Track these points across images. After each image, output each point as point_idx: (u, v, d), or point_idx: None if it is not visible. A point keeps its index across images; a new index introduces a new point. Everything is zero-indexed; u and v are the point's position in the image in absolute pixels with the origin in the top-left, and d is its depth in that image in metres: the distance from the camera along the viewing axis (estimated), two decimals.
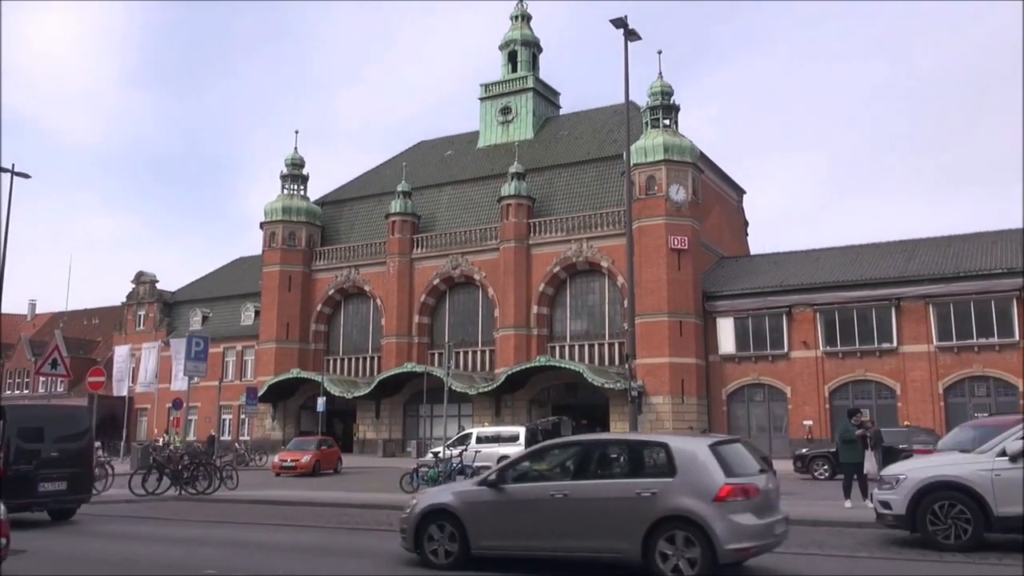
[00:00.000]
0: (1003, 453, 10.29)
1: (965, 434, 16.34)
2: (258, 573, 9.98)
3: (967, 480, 10.34)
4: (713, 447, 8.96)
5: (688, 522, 8.42)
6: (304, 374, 48.22)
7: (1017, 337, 35.44)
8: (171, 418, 45.91)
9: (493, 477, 9.88)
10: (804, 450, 28.15)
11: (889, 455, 19.82)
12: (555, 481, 9.52)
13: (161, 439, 43.96)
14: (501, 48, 56.63)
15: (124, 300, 61.82)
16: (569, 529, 9.07)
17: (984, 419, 20.95)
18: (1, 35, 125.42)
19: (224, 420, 53.31)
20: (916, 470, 11.06)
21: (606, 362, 43.55)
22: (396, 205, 50.29)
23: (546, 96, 56.40)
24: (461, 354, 46.95)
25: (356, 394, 46.69)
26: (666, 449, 8.99)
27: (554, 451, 10.32)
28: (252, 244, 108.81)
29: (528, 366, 42.18)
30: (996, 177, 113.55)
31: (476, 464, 22.08)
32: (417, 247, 49.80)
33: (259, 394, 44.13)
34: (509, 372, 42.31)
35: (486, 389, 42.97)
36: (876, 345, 38.02)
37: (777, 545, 9.20)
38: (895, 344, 37.69)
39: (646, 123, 43.72)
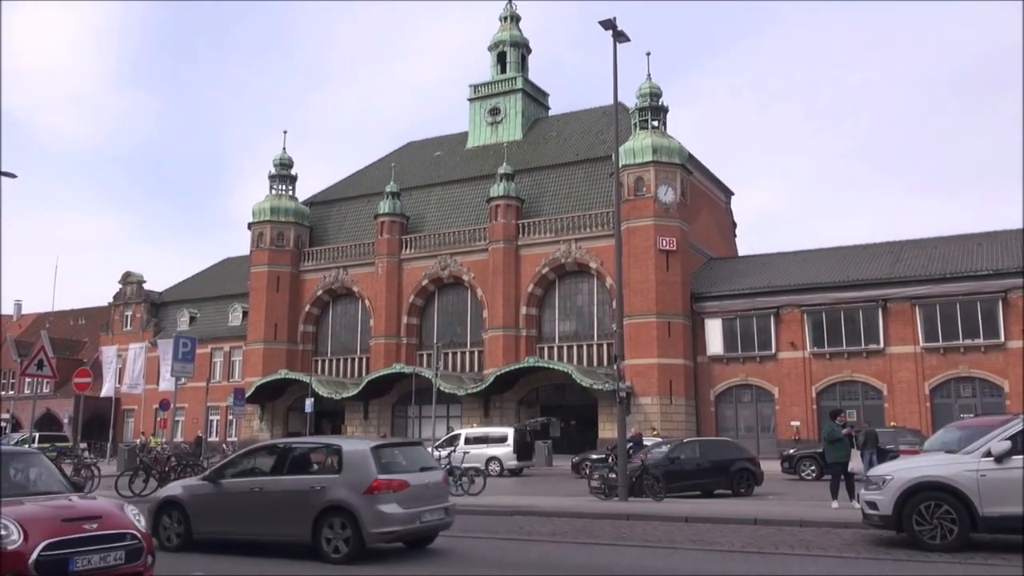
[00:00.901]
0: (989, 454, 10.34)
1: (951, 435, 16.44)
2: (246, 574, 9.94)
3: (953, 480, 10.39)
4: (374, 449, 10.84)
5: (344, 510, 10.29)
6: (292, 375, 48.08)
7: (1002, 338, 35.69)
8: (158, 419, 45.71)
9: (210, 473, 11.86)
10: (791, 450, 28.26)
11: (878, 456, 19.95)
12: (256, 477, 11.42)
13: (139, 440, 43.88)
14: (490, 49, 56.63)
15: (111, 300, 61.51)
16: (264, 517, 10.98)
17: (970, 420, 21.10)
18: (1, 36, 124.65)
19: (212, 421, 53.10)
20: (902, 471, 11.11)
21: (595, 363, 43.59)
22: (385, 206, 50.21)
23: (535, 97, 56.44)
24: (450, 355, 46.95)
25: (344, 395, 46.59)
26: (339, 451, 10.91)
27: (260, 452, 12.28)
28: (240, 244, 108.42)
29: (517, 367, 42.19)
30: (983, 180, 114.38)
31: (465, 465, 22.03)
32: (406, 248, 49.74)
33: (247, 395, 43.99)
34: (498, 373, 42.31)
35: (475, 390, 42.96)
36: (863, 346, 38.21)
37: (431, 531, 11.14)
38: (882, 345, 37.89)
39: (635, 124, 43.81)
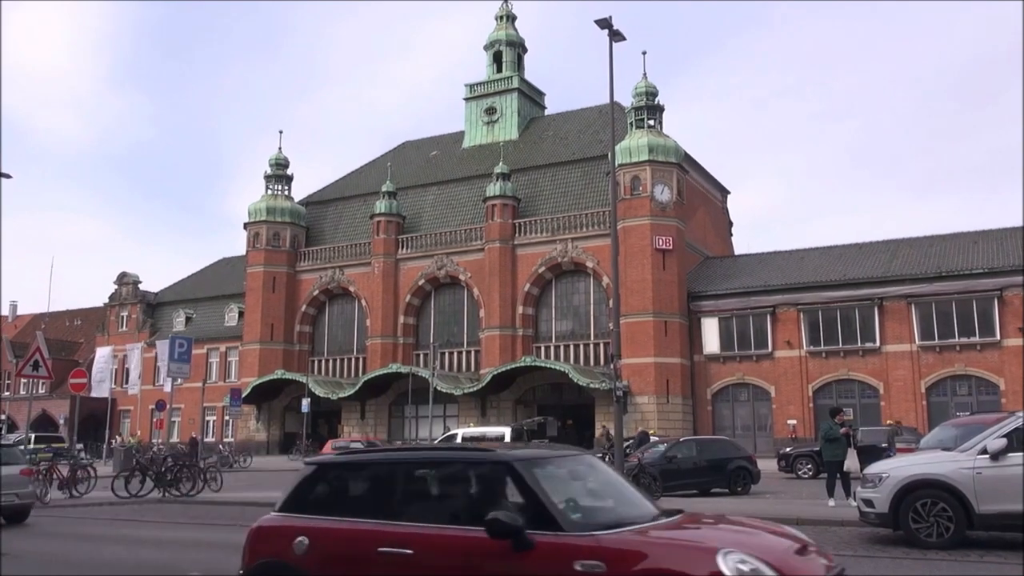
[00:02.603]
0: (984, 451, 10.34)
1: (947, 432, 16.46)
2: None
3: (949, 478, 10.40)
4: None
5: None
6: (289, 375, 48.02)
7: (998, 336, 35.76)
8: (154, 420, 45.65)
9: None
10: (788, 449, 28.31)
11: (872, 454, 20.00)
12: None
13: (116, 440, 43.98)
14: (486, 48, 56.61)
15: (107, 301, 61.38)
16: None
17: (966, 418, 21.14)
18: (1, 36, 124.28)
19: (208, 422, 53.04)
20: (898, 468, 11.11)
21: (591, 362, 43.61)
22: (381, 205, 50.17)
23: (531, 96, 56.43)
24: (446, 355, 46.91)
25: (341, 395, 46.55)
26: None
27: None
28: (236, 244, 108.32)
29: (513, 366, 42.18)
30: (979, 178, 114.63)
31: None
32: (402, 247, 49.71)
33: (243, 395, 43.95)
34: (494, 372, 42.30)
35: (471, 390, 42.95)
36: (859, 345, 38.26)
37: (7, 510, 14.74)
38: (878, 344, 37.94)
39: (631, 123, 43.83)
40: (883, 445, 27.61)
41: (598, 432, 40.31)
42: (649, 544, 5.02)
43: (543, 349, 45.29)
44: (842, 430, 16.48)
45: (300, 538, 5.82)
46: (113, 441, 45.11)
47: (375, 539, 5.57)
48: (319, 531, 5.83)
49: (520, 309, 45.31)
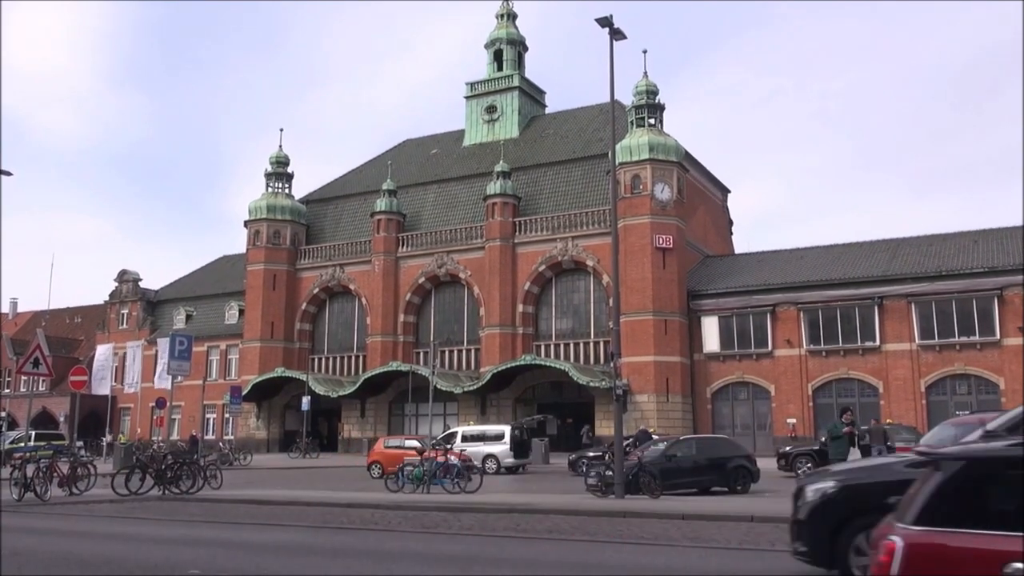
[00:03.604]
0: None
1: (946, 432, 16.45)
2: (243, 573, 9.94)
3: None
4: None
5: None
6: (289, 373, 48.05)
7: (998, 335, 35.77)
8: (155, 417, 45.65)
9: None
10: (788, 448, 28.33)
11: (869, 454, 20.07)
12: None
13: (107, 439, 44.03)
14: (487, 47, 56.61)
15: (107, 299, 61.44)
16: None
17: (965, 417, 21.16)
18: (1, 35, 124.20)
19: (208, 419, 53.05)
20: None
21: (591, 361, 43.62)
22: (381, 204, 50.19)
23: (531, 95, 56.43)
24: (446, 353, 46.93)
25: (341, 393, 46.58)
26: None
27: None
28: (236, 242, 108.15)
29: (513, 365, 42.21)
30: (980, 177, 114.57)
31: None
32: (402, 246, 49.72)
33: (243, 393, 44.00)
34: (494, 371, 42.32)
35: (471, 388, 42.96)
36: (859, 344, 38.27)
37: None
38: (878, 343, 37.95)
39: (631, 122, 43.82)
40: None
41: (596, 432, 40.35)
42: None
43: (543, 347, 45.30)
44: (844, 429, 16.54)
45: (1016, 564, 4.16)
46: (107, 437, 45.19)
47: None
48: None
49: (520, 307, 45.32)
